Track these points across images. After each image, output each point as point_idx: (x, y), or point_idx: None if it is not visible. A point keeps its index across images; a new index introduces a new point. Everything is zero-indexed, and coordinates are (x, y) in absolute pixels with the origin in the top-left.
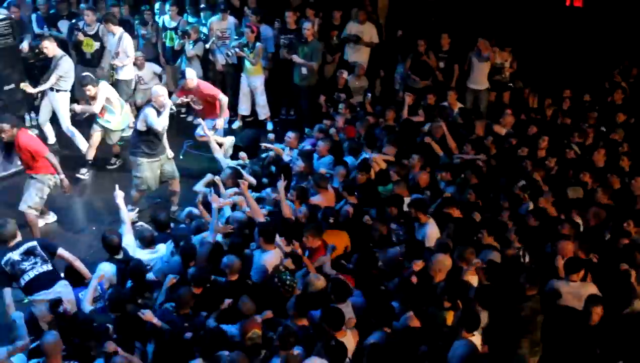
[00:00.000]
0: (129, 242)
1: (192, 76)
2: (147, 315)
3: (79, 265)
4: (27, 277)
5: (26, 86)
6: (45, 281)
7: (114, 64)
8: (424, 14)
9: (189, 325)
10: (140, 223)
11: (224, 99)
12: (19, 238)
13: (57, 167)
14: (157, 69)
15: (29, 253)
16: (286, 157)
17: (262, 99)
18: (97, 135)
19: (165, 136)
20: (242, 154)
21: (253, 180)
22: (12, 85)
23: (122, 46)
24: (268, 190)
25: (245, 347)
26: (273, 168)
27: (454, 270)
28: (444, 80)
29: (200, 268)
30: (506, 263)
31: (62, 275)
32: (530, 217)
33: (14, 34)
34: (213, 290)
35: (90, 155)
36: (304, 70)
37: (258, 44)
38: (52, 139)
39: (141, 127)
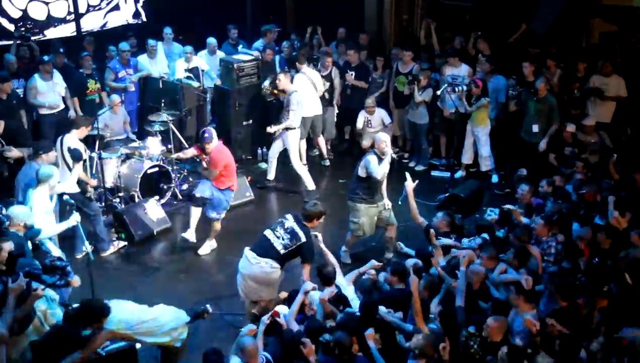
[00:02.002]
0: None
1: (214, 140)
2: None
3: (306, 274)
4: (264, 236)
5: (270, 128)
6: (262, 249)
7: None
8: None
9: None
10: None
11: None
12: (310, 223)
13: None
14: (387, 120)
15: (290, 232)
16: (525, 219)
17: (484, 150)
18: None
19: (384, 184)
20: None
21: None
22: (251, 121)
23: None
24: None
25: None
26: (502, 232)
27: None
28: None
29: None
30: None
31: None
32: None
33: (258, 73)
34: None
35: (312, 186)
36: (535, 128)
37: (483, 99)
38: (272, 175)
39: (362, 173)
